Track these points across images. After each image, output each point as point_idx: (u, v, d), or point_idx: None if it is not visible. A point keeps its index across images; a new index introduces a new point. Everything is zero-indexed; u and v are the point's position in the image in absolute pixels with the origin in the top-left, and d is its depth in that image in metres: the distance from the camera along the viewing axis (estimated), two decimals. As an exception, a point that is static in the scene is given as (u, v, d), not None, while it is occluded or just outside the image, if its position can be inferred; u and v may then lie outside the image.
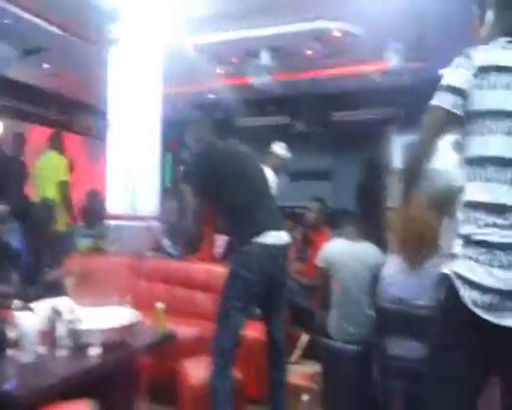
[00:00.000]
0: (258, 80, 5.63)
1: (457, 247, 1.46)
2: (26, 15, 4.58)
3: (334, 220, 4.26)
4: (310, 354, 2.64)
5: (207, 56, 5.56)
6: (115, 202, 4.36)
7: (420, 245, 2.41)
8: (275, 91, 6.09)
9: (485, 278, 1.38)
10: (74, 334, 2.24)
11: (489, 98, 1.46)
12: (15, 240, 3.99)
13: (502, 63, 1.46)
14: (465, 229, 1.45)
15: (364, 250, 3.00)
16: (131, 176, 4.33)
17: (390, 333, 2.44)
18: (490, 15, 1.59)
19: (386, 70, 5.18)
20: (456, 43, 1.79)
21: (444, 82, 1.52)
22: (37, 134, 7.96)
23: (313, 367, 2.79)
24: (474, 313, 1.38)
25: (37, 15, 4.66)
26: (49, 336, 2.25)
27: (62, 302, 2.37)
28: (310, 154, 7.16)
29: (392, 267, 2.66)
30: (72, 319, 2.31)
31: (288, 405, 2.57)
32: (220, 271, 3.53)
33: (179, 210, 4.97)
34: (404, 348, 2.41)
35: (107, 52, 4.40)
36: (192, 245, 4.87)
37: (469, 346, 1.42)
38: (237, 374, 2.54)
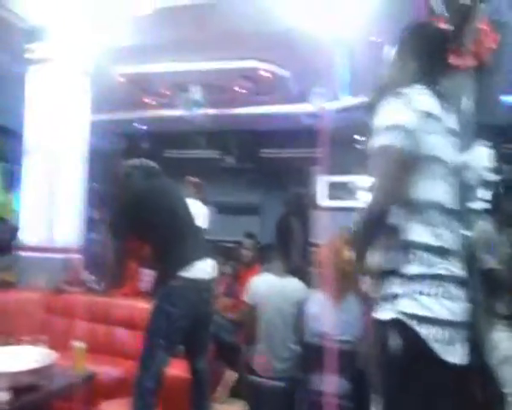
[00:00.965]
0: (187, 113, 5.65)
1: (396, 286, 1.43)
2: None
3: (262, 255, 4.32)
4: (236, 392, 2.59)
5: (135, 86, 5.51)
6: (30, 232, 4.10)
7: (342, 280, 2.49)
8: (205, 125, 6.13)
9: (441, 311, 1.39)
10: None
11: (431, 143, 1.47)
12: None
13: (435, 111, 1.50)
14: (411, 267, 1.43)
15: (290, 285, 3.05)
16: (49, 205, 4.11)
17: (314, 368, 2.47)
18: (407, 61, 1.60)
19: (311, 112, 5.41)
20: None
21: (389, 122, 1.47)
22: None
23: (239, 406, 2.75)
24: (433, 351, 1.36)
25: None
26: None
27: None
28: (239, 188, 7.25)
29: (317, 303, 2.72)
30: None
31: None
32: (144, 306, 3.42)
33: (103, 242, 4.79)
34: (329, 384, 2.45)
35: (26, 72, 4.20)
36: (115, 279, 4.69)
37: (436, 387, 1.40)
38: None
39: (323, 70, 4.38)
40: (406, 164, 1.45)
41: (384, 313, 1.44)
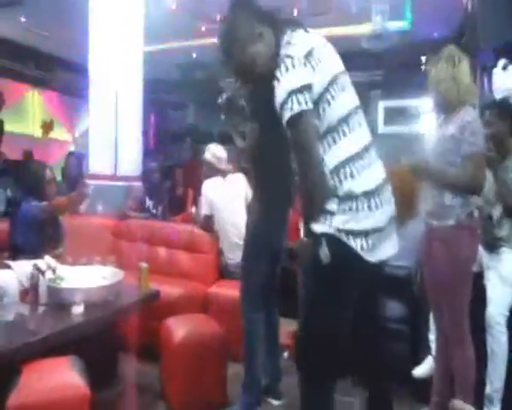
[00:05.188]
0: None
1: (332, 205, 1.52)
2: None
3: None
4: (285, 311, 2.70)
5: (190, 13, 5.40)
6: (97, 162, 4.29)
7: (408, 206, 2.42)
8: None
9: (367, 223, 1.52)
10: (56, 292, 2.25)
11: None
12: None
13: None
14: (342, 188, 1.52)
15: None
16: (113, 135, 4.26)
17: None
18: None
19: (372, 32, 5.11)
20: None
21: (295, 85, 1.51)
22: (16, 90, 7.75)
23: (291, 325, 2.85)
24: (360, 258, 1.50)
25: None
26: (30, 295, 2.25)
27: (44, 261, 2.37)
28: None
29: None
30: (55, 278, 2.32)
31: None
32: (202, 232, 3.56)
33: (161, 170, 4.93)
34: (385, 308, 2.47)
35: (88, 6, 4.24)
36: (175, 206, 4.86)
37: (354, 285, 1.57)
38: (220, 331, 2.59)
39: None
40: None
41: (319, 226, 1.54)
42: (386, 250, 1.58)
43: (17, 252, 2.77)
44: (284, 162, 2.53)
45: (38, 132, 8.16)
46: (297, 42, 1.57)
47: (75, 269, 2.51)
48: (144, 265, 2.64)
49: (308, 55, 1.54)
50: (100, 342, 2.40)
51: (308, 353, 1.59)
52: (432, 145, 2.31)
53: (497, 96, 3.32)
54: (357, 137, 1.59)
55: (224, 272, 3.50)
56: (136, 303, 2.58)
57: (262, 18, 1.66)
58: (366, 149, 1.60)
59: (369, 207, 1.53)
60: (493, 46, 3.62)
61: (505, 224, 2.42)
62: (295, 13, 5.20)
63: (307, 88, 1.50)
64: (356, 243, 1.50)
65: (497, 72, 3.44)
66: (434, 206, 2.22)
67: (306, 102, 1.49)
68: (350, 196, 1.52)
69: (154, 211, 4.44)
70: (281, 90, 1.51)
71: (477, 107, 2.51)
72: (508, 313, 2.35)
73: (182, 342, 2.45)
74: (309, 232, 1.57)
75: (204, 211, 3.55)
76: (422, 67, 5.08)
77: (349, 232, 1.51)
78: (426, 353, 2.67)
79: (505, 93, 3.22)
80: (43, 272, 2.28)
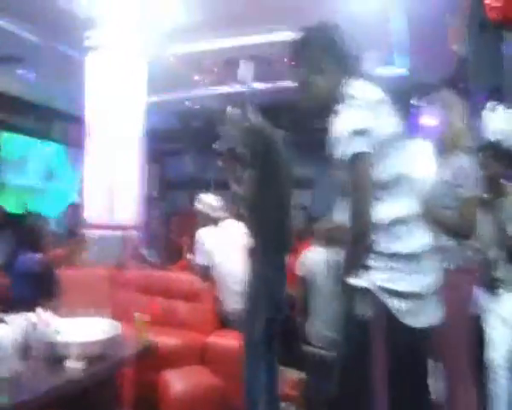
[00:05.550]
0: (238, 89, 5.65)
1: (374, 260, 1.50)
2: (-2, 22, 4.50)
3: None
4: (286, 361, 2.65)
5: (187, 65, 5.56)
6: (93, 212, 4.30)
7: None
8: (255, 100, 6.11)
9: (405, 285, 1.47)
10: (52, 346, 2.20)
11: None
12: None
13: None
14: (388, 246, 1.50)
15: (342, 258, 3.02)
16: (110, 185, 4.28)
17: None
18: None
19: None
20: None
21: (354, 127, 1.50)
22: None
23: (292, 374, 2.79)
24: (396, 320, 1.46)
25: (10, 22, 4.59)
26: (25, 349, 2.20)
27: (38, 315, 2.33)
28: (292, 162, 7.19)
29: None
30: (50, 332, 2.27)
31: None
32: (200, 281, 3.53)
33: (161, 219, 4.94)
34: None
35: (85, 59, 4.36)
36: (173, 254, 4.84)
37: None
38: (219, 383, 2.52)
39: (377, 34, 4.23)
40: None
41: (358, 280, 1.51)
42: (426, 318, 1.53)
43: (14, 305, 2.73)
44: (282, 209, 2.56)
45: (39, 184, 8.22)
46: (365, 89, 1.59)
47: (71, 321, 2.46)
48: (140, 316, 2.60)
49: (373, 104, 1.55)
50: (97, 395, 2.33)
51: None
52: (430, 188, 2.34)
53: (491, 137, 3.39)
54: (405, 203, 1.57)
55: (222, 322, 3.44)
56: (133, 356, 2.53)
57: (334, 54, 1.69)
58: (414, 216, 1.58)
59: (412, 271, 1.50)
60: (483, 89, 3.72)
61: (502, 265, 2.43)
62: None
63: (369, 133, 1.50)
64: (393, 303, 1.47)
65: (487, 114, 3.52)
66: None
67: (368, 146, 1.49)
68: (392, 256, 1.50)
69: (152, 260, 4.42)
70: (342, 126, 1.52)
71: (473, 149, 2.56)
72: (509, 355, 2.32)
73: (179, 396, 2.39)
74: (346, 286, 1.54)
75: (201, 261, 3.53)
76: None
77: (387, 291, 1.48)
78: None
79: (498, 136, 3.29)
80: (36, 326, 2.24)
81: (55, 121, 7.92)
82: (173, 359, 2.82)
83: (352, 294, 1.51)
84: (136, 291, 3.60)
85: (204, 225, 3.58)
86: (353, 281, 1.51)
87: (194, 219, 4.14)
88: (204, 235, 3.52)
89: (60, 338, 2.25)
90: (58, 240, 5.12)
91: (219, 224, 3.56)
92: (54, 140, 8.21)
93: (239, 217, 3.53)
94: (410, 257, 1.51)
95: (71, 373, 2.07)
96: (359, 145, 1.48)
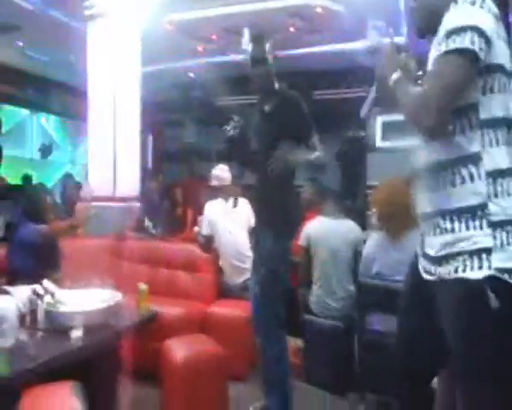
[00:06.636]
0: (238, 58, 5.56)
1: (487, 239, 1.25)
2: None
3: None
4: (290, 330, 2.67)
5: (186, 34, 5.46)
6: (96, 184, 4.30)
7: (406, 217, 2.40)
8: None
9: None
10: (55, 317, 2.23)
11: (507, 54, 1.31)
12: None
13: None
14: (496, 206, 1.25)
15: (345, 227, 3.03)
16: (112, 156, 4.27)
17: (370, 308, 2.48)
18: None
19: (368, 48, 5.16)
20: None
21: (468, 22, 1.25)
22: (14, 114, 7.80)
23: (295, 343, 2.82)
24: None
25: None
26: (29, 320, 2.23)
27: (42, 285, 2.35)
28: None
29: (373, 243, 2.69)
30: (53, 302, 2.30)
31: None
32: (201, 251, 3.55)
33: (160, 190, 4.94)
34: (384, 323, 2.45)
35: (86, 29, 4.28)
36: (174, 225, 4.85)
37: None
38: (221, 351, 2.56)
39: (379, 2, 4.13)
40: (474, 73, 1.26)
41: (474, 271, 1.26)
42: None
43: (15, 277, 2.75)
44: (291, 187, 2.55)
45: (37, 156, 8.21)
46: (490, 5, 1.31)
47: (74, 293, 2.49)
48: (143, 286, 2.62)
49: (495, 15, 1.30)
50: (100, 365, 2.37)
51: None
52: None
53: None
54: None
55: (223, 292, 3.48)
56: (135, 325, 2.56)
57: None
58: None
59: None
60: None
61: None
62: (291, 30, 5.27)
63: (487, 38, 1.24)
64: None
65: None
66: None
67: (480, 49, 1.23)
68: (505, 223, 1.24)
69: (153, 231, 4.44)
70: (455, 19, 1.27)
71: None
72: None
73: (182, 363, 2.43)
74: (457, 283, 1.29)
75: (204, 231, 3.55)
76: (419, 82, 5.11)
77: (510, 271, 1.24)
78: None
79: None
80: (41, 297, 2.27)
81: (56, 93, 7.84)
82: (175, 328, 2.86)
83: (473, 291, 1.26)
84: (137, 262, 3.63)
85: (213, 198, 3.62)
86: (471, 275, 1.26)
87: (197, 190, 4.15)
88: (212, 207, 3.58)
89: (63, 309, 2.28)
90: (60, 211, 5.15)
91: (227, 199, 3.59)
92: (52, 112, 8.16)
93: (245, 187, 3.55)
94: None
95: (74, 342, 2.11)
96: (467, 41, 1.23)
